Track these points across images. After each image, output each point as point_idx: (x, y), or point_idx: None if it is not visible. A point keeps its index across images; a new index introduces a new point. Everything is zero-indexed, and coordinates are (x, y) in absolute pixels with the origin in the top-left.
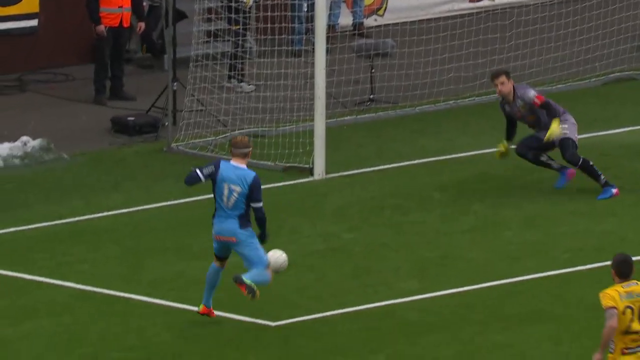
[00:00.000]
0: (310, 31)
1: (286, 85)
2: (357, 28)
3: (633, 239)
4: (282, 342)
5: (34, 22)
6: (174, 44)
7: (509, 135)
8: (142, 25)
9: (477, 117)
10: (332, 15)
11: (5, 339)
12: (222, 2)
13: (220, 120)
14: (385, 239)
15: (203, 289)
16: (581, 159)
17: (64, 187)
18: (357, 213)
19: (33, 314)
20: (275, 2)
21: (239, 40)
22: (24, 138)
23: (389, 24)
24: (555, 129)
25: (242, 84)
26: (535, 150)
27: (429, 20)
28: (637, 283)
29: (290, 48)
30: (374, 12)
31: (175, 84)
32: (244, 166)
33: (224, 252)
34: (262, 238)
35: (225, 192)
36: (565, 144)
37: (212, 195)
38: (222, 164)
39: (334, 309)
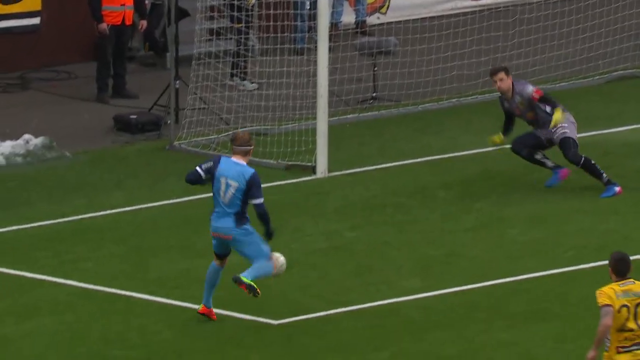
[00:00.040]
0: (313, 29)
1: (289, 83)
2: (360, 26)
3: (636, 237)
4: (284, 341)
5: (36, 20)
6: (176, 42)
7: (506, 131)
8: (144, 23)
9: (480, 115)
10: (335, 13)
11: (7, 337)
12: (225, 0)
13: (223, 118)
14: (387, 237)
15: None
16: (583, 158)
17: (67, 185)
18: (360, 211)
19: (35, 312)
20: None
21: (241, 38)
22: (27, 136)
23: (391, 22)
24: (559, 116)
25: (244, 82)
26: (530, 147)
27: (431, 18)
28: (634, 282)
29: (292, 46)
30: (377, 10)
31: (177, 82)
32: (244, 163)
33: (222, 249)
34: (268, 235)
35: (223, 187)
36: (566, 143)
37: None
38: (223, 160)
39: (336, 307)
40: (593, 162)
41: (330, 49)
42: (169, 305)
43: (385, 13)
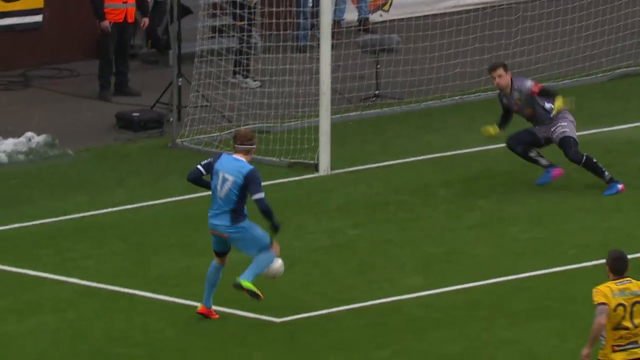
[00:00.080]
0: (316, 27)
1: (291, 81)
2: (363, 23)
3: (639, 235)
4: (287, 338)
5: (38, 18)
6: (178, 39)
7: (502, 124)
8: (145, 20)
9: (482, 113)
10: (338, 10)
11: (9, 335)
12: None
13: (225, 116)
14: (390, 235)
15: None
16: (584, 157)
17: (69, 183)
18: (362, 209)
19: (37, 310)
20: None
21: (244, 35)
22: (29, 134)
23: (394, 20)
24: (561, 104)
25: (247, 79)
26: (525, 145)
27: (434, 15)
28: (630, 281)
29: (295, 44)
30: (380, 7)
31: (180, 79)
32: (244, 160)
33: (222, 246)
34: (273, 229)
35: (220, 181)
36: (566, 142)
37: None
38: (223, 156)
39: (339, 305)
40: (594, 160)
41: (332, 47)
42: (171, 303)
43: (387, 10)
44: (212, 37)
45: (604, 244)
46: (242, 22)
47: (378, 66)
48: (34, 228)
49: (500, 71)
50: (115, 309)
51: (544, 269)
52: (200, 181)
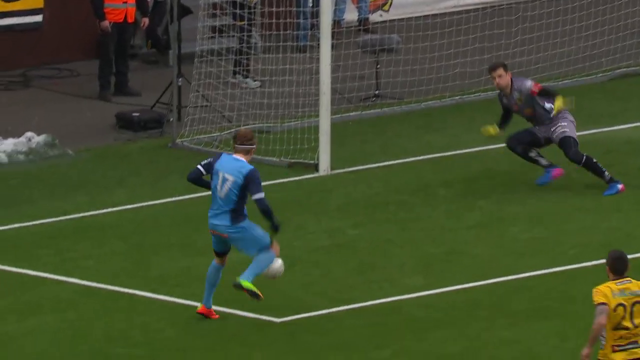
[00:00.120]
0: (316, 27)
1: (291, 81)
2: (363, 23)
3: (639, 235)
4: (287, 338)
5: (38, 18)
6: (178, 39)
7: (502, 124)
8: (145, 20)
9: (483, 113)
10: (338, 10)
11: (9, 335)
12: None
13: (225, 116)
14: (390, 235)
15: None
16: (584, 157)
17: (69, 183)
18: (362, 209)
19: (37, 310)
20: None
21: (244, 35)
22: (29, 134)
23: (394, 20)
24: (561, 104)
25: (247, 79)
26: (525, 145)
27: (434, 15)
28: (630, 281)
29: (295, 44)
30: (380, 7)
31: (180, 79)
32: (244, 160)
33: (221, 246)
34: (273, 229)
35: (219, 180)
36: (566, 142)
37: None
38: (223, 156)
39: (339, 305)
40: (595, 160)
41: (332, 47)
42: (171, 303)
43: (387, 10)
44: (212, 37)
45: (604, 244)
46: (242, 22)
47: (378, 66)
48: (34, 228)
49: (500, 71)
50: (115, 309)
51: (544, 269)
52: (200, 181)
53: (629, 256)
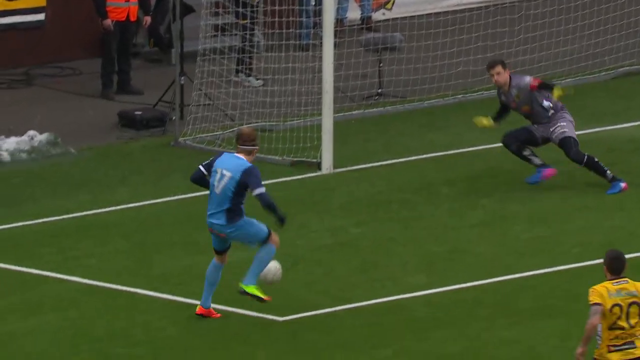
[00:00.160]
0: (318, 25)
1: (294, 79)
2: (365, 22)
3: None
4: (289, 337)
5: (41, 16)
6: (181, 38)
7: (498, 117)
8: (148, 19)
9: (485, 112)
10: (340, 9)
11: (11, 334)
12: None
13: (228, 114)
14: (393, 233)
15: None
16: (586, 156)
17: (71, 181)
18: (365, 208)
19: (39, 309)
20: None
21: (246, 34)
22: (31, 132)
23: (397, 18)
24: (560, 92)
25: (249, 78)
26: (521, 143)
27: (437, 14)
28: (627, 281)
29: (298, 42)
30: (382, 5)
31: (182, 78)
32: (245, 159)
33: (221, 244)
34: (279, 222)
35: (217, 176)
36: (566, 143)
37: None
38: (224, 154)
39: (342, 304)
40: (596, 159)
41: (335, 45)
42: (173, 302)
43: (390, 9)
44: (214, 35)
45: (607, 242)
46: (245, 21)
47: (381, 65)
48: (36, 227)
49: (499, 68)
50: (117, 307)
51: (547, 267)
52: (203, 181)
53: (632, 255)
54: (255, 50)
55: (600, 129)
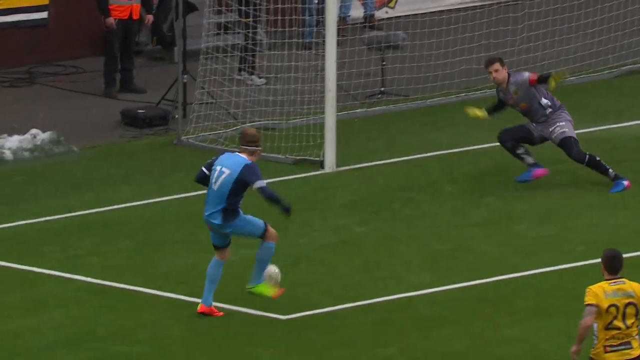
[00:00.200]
0: (321, 23)
1: (297, 77)
2: (368, 20)
3: None
4: (292, 336)
5: (43, 15)
6: (184, 36)
7: (492, 111)
8: (150, 17)
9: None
10: (343, 7)
11: (14, 332)
12: None
13: (231, 113)
14: (396, 232)
15: None
16: (587, 156)
17: (74, 180)
18: (368, 206)
19: (42, 307)
20: None
21: (249, 32)
22: (34, 131)
23: (400, 16)
24: (557, 77)
25: (252, 76)
26: (516, 140)
27: (440, 12)
28: (624, 282)
29: (300, 40)
30: (385, 4)
31: (185, 76)
32: (246, 158)
33: (220, 240)
34: (285, 212)
35: (216, 173)
36: (567, 143)
37: None
38: (226, 153)
39: (344, 303)
40: (598, 158)
41: (338, 44)
42: (176, 301)
43: (393, 7)
44: (217, 34)
45: (612, 241)
46: (248, 19)
47: (383, 63)
48: (39, 225)
49: (497, 66)
50: (119, 306)
51: (551, 266)
52: (205, 181)
53: (636, 254)
54: (258, 48)
55: (604, 127)
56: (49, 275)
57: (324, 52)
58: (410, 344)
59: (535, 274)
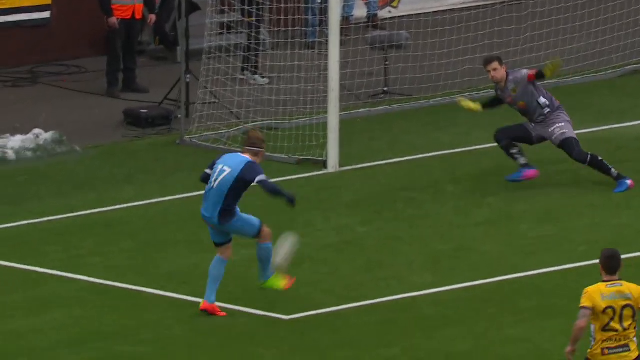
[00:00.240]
0: (324, 23)
1: (300, 77)
2: (371, 20)
3: None
4: (295, 336)
5: (46, 14)
6: (187, 35)
7: (487, 105)
8: (153, 17)
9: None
10: (346, 6)
11: (17, 332)
12: None
13: (234, 112)
14: (398, 232)
15: None
16: (589, 156)
17: (76, 179)
18: (371, 206)
19: (44, 307)
20: None
21: (252, 32)
22: (36, 130)
23: (403, 16)
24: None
25: (255, 76)
26: (511, 139)
27: (443, 12)
28: (621, 283)
29: (303, 40)
30: (388, 3)
31: (188, 76)
32: (248, 157)
33: (218, 237)
34: (289, 204)
35: (217, 172)
36: (568, 144)
37: None
38: (228, 154)
39: (347, 303)
40: (600, 158)
41: (341, 43)
42: (178, 300)
43: (396, 7)
44: (220, 33)
45: (615, 241)
46: (251, 19)
47: (387, 63)
48: (41, 225)
49: (495, 65)
50: (122, 306)
51: (553, 266)
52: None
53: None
54: (261, 48)
55: (607, 127)
56: (52, 275)
57: (327, 51)
58: (414, 344)
59: (538, 274)
